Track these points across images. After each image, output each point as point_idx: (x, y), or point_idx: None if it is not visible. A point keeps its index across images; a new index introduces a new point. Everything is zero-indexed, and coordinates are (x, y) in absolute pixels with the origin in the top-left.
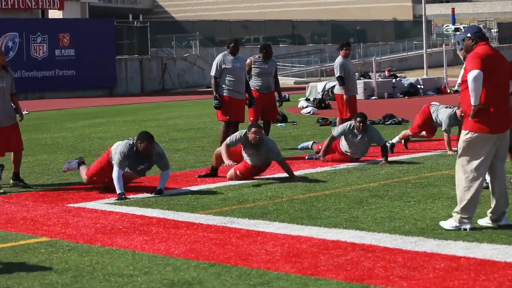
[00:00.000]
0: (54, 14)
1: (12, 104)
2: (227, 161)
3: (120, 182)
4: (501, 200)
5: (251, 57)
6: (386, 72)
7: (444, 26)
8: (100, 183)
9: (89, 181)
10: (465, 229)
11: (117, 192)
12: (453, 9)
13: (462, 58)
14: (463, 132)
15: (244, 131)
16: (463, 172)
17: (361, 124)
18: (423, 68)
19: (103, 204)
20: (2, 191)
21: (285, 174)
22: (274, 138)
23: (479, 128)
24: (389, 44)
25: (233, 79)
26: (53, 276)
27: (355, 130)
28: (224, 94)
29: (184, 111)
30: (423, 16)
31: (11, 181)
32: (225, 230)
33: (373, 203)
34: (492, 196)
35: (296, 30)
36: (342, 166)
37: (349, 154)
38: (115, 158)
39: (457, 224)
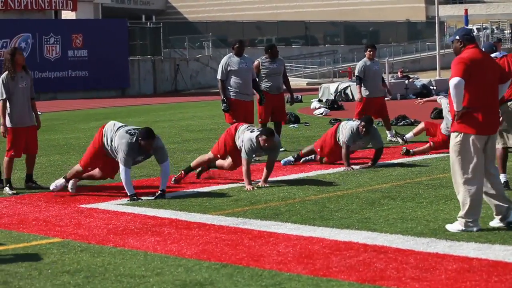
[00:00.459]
0: (67, 15)
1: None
2: (249, 186)
3: (129, 184)
4: (500, 200)
5: (258, 59)
6: (399, 73)
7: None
8: (95, 168)
9: (83, 169)
10: (472, 231)
11: (129, 194)
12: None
13: None
14: (452, 135)
15: (255, 140)
16: (460, 177)
17: (364, 129)
18: (435, 69)
19: (115, 205)
20: (15, 191)
21: (297, 176)
22: (286, 139)
23: (466, 129)
24: (402, 45)
25: (239, 81)
26: (65, 277)
27: (360, 134)
28: (231, 97)
29: (196, 112)
30: (436, 17)
31: (25, 183)
32: (237, 231)
33: (385, 204)
34: (491, 198)
35: (309, 31)
36: (354, 167)
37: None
38: (120, 157)
39: (463, 228)
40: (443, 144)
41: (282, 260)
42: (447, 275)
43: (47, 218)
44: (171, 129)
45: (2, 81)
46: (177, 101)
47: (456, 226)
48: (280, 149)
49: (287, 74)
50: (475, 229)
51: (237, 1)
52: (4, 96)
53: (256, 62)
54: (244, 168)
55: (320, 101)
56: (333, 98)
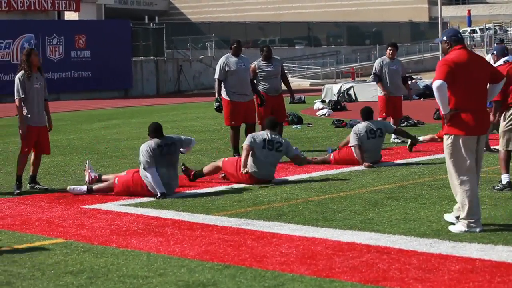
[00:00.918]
0: (70, 15)
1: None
2: (244, 170)
3: (159, 183)
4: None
5: (254, 62)
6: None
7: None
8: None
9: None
10: (474, 232)
11: (160, 192)
12: (469, 11)
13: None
14: (444, 137)
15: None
16: (456, 178)
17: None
18: None
19: (118, 205)
20: (19, 191)
21: (300, 177)
22: (289, 140)
23: (456, 131)
24: (405, 46)
25: (237, 81)
26: (68, 278)
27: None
28: (229, 99)
29: (199, 113)
30: (439, 18)
31: (28, 185)
32: (240, 232)
33: (388, 205)
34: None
35: (312, 32)
36: (357, 168)
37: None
38: (142, 160)
39: (466, 229)
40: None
41: (285, 260)
42: (450, 275)
43: (50, 218)
44: (174, 129)
45: (19, 79)
46: (180, 101)
47: (459, 227)
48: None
49: (289, 74)
50: (477, 229)
51: (240, 2)
52: (22, 95)
53: (252, 66)
54: (244, 153)
55: (323, 101)
56: (336, 98)
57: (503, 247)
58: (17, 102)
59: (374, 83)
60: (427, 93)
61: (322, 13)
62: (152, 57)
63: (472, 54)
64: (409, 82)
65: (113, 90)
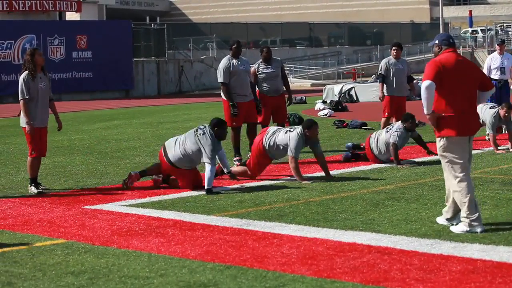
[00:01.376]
0: (72, 16)
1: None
2: (304, 182)
3: (211, 180)
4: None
5: (254, 65)
6: None
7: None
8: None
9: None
10: (476, 232)
11: (207, 187)
12: (470, 12)
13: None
14: (437, 140)
15: (300, 135)
16: (454, 178)
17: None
18: None
19: (120, 206)
20: (41, 190)
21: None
22: None
23: (446, 133)
24: (406, 46)
25: (237, 83)
26: (69, 278)
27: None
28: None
29: (201, 113)
30: (441, 19)
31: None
32: (241, 232)
33: (390, 206)
34: (450, 196)
35: (313, 32)
36: (359, 168)
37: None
38: (208, 154)
39: (468, 229)
40: None
41: (286, 261)
42: (451, 276)
43: (51, 219)
44: (175, 130)
45: (23, 80)
46: (181, 102)
47: (460, 228)
48: None
49: (290, 75)
50: (478, 229)
51: (241, 3)
52: (26, 96)
53: (252, 69)
54: (292, 165)
55: (324, 102)
56: (337, 99)
57: (505, 247)
58: (21, 103)
59: (376, 83)
60: None
61: (323, 14)
62: (153, 57)
63: (462, 58)
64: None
65: (114, 91)
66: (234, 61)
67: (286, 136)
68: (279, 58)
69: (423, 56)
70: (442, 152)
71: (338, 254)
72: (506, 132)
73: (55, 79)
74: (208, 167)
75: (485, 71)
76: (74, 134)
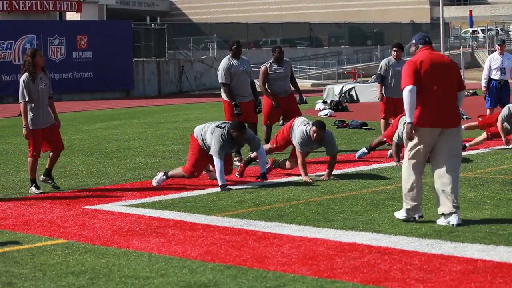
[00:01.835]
0: (72, 16)
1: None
2: (305, 178)
3: (222, 174)
4: (446, 201)
5: (265, 64)
6: None
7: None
8: (201, 173)
9: (190, 176)
10: (413, 218)
11: (220, 184)
12: (470, 12)
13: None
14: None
15: (305, 132)
16: (405, 163)
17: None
18: None
19: (120, 206)
20: (42, 190)
21: (301, 177)
22: None
23: (418, 122)
24: (406, 46)
25: (237, 84)
26: (70, 278)
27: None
28: (229, 100)
29: (201, 114)
30: (441, 19)
31: (42, 176)
32: (241, 233)
33: (390, 206)
34: (438, 195)
35: (314, 33)
36: (359, 168)
37: None
38: (215, 149)
39: (405, 214)
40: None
41: (286, 261)
42: (452, 276)
43: (51, 219)
44: (176, 130)
45: (24, 82)
46: (181, 102)
47: (401, 213)
48: None
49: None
50: (417, 215)
51: (241, 3)
52: (27, 99)
53: (263, 68)
54: (299, 160)
55: (324, 102)
56: (337, 99)
57: (505, 247)
58: (21, 106)
59: (376, 84)
60: None
61: (324, 14)
62: (153, 57)
63: (437, 54)
64: None
65: (114, 91)
66: (234, 61)
67: (300, 129)
68: (289, 59)
69: None
70: (406, 136)
71: (339, 254)
72: None
73: (55, 79)
74: (215, 161)
75: (485, 71)
76: (74, 134)
